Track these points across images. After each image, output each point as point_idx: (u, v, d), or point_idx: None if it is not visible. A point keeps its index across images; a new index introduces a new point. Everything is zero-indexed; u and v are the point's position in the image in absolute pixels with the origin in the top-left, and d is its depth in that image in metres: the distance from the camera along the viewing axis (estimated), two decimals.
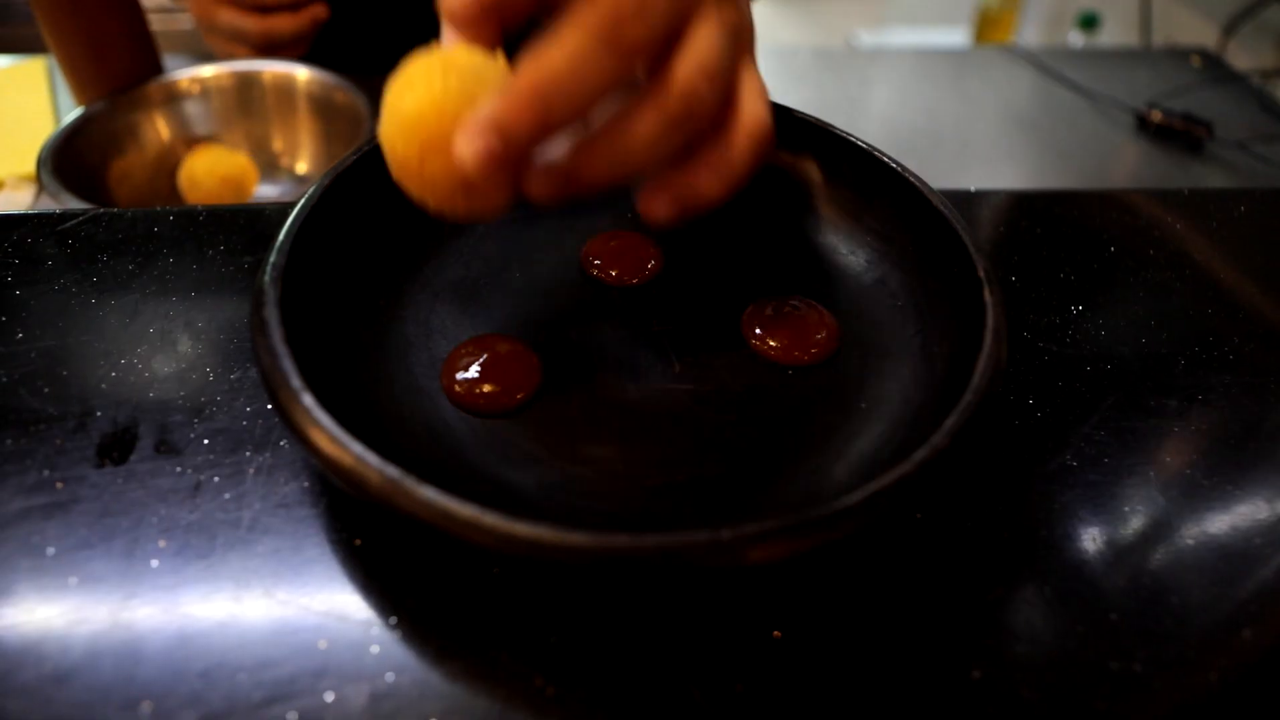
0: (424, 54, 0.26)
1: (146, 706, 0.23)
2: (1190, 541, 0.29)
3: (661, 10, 0.23)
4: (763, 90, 0.27)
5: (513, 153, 0.23)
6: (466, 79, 0.25)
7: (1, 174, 0.68)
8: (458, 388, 0.30)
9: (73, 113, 0.63)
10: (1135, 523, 0.29)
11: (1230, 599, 0.27)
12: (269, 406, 0.31)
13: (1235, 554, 0.28)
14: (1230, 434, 0.33)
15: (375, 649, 0.24)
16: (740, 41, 0.26)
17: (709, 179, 0.26)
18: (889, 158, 0.34)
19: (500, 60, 0.26)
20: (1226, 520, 0.29)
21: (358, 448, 0.23)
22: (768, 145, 0.26)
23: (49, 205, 0.62)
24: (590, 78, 0.23)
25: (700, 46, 0.24)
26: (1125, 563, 0.28)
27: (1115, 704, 0.24)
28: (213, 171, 0.65)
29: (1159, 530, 0.29)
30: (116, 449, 0.29)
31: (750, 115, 0.26)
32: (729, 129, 0.26)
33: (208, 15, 0.68)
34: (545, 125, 0.23)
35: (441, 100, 0.25)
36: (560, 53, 0.22)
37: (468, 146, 0.23)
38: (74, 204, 0.56)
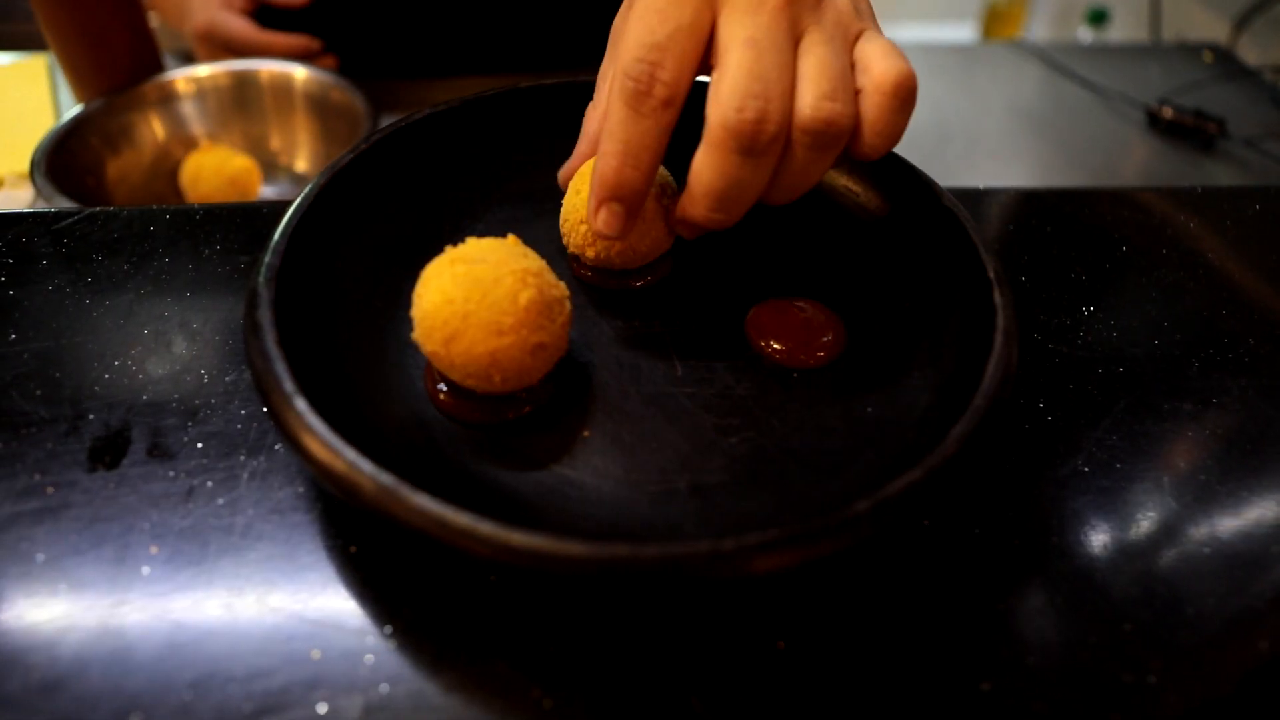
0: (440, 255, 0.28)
1: (136, 718, 0.22)
2: (1205, 549, 0.28)
3: (777, 97, 0.26)
4: (889, 48, 0.28)
5: (698, 235, 0.31)
6: (474, 266, 0.27)
7: (1, 172, 0.68)
8: (442, 396, 0.29)
9: (66, 114, 0.63)
10: (1149, 529, 0.28)
11: (1246, 609, 0.26)
12: (264, 409, 0.30)
13: (1251, 562, 0.28)
14: (1246, 438, 0.32)
15: (370, 659, 0.24)
16: (847, 31, 0.28)
17: (869, 140, 0.28)
18: (896, 155, 0.34)
19: (512, 239, 0.29)
20: (1242, 527, 0.29)
21: (351, 454, 0.22)
22: (911, 92, 0.28)
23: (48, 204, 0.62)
24: (746, 181, 0.27)
25: (813, 74, 0.27)
26: (1139, 571, 0.27)
27: (1129, 717, 0.23)
28: (220, 171, 0.64)
29: (1173, 537, 0.28)
30: (109, 453, 0.29)
31: (882, 73, 0.28)
32: (868, 94, 0.28)
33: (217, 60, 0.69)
34: (729, 218, 0.29)
35: (451, 292, 0.27)
36: (713, 173, 0.27)
37: (686, 230, 0.31)
38: (68, 206, 0.55)
